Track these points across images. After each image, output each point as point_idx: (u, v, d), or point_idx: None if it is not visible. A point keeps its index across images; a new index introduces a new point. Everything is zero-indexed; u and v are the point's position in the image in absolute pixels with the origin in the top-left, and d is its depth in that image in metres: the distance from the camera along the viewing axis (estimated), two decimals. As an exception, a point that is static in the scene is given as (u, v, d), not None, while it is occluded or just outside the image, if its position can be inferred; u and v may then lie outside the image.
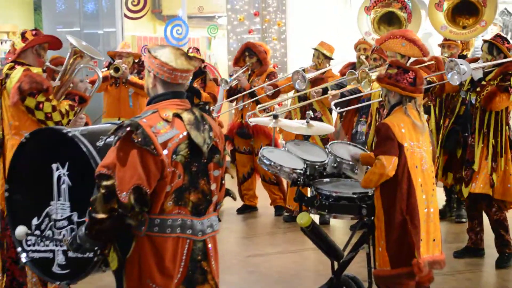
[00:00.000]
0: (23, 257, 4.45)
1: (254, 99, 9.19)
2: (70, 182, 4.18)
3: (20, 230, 4.24)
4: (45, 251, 4.35)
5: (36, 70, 5.61)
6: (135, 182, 3.63)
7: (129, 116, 9.44)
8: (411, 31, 7.66)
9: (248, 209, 9.56)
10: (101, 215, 3.65)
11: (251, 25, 13.31)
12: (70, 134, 4.16)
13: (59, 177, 4.21)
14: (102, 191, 3.65)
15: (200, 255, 3.88)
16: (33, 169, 4.43)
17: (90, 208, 3.69)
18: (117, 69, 9.37)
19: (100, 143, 4.10)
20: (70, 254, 4.20)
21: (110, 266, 3.90)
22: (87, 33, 13.34)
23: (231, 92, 9.41)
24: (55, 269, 4.30)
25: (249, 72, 9.42)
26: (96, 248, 3.90)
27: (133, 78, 9.49)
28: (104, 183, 3.66)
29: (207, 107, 4.03)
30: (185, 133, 3.79)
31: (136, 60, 9.83)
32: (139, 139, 3.66)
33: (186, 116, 3.83)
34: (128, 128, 3.68)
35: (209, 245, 3.92)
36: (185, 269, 3.83)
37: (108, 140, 4.05)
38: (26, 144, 4.46)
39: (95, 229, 3.71)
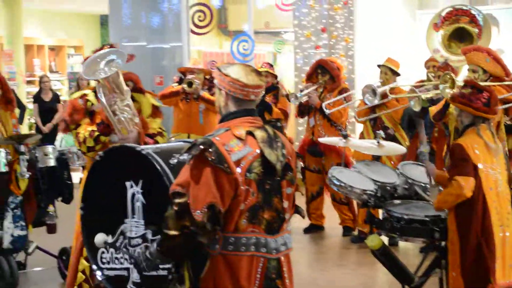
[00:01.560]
0: (99, 275, 4.43)
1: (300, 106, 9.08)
2: (144, 200, 4.14)
3: (99, 238, 4.21)
4: (120, 269, 4.32)
5: (76, 95, 5.58)
6: (209, 200, 3.60)
7: (199, 132, 9.49)
8: None
9: (315, 229, 9.44)
10: (173, 232, 3.64)
11: (318, 41, 13.22)
12: (144, 152, 4.13)
13: (133, 195, 4.17)
14: (175, 208, 3.63)
15: (274, 273, 3.83)
16: (107, 187, 4.40)
17: (162, 225, 3.67)
18: (190, 84, 9.35)
19: (173, 161, 4.06)
20: (145, 272, 4.16)
21: (185, 285, 3.86)
22: (153, 47, 13.41)
23: (302, 108, 9.30)
24: (130, 286, 4.27)
25: (321, 90, 9.29)
26: (168, 265, 3.86)
27: (205, 94, 9.46)
28: (177, 200, 3.64)
29: (278, 124, 3.97)
30: (258, 151, 3.75)
31: (207, 77, 9.81)
32: (213, 157, 3.64)
33: (259, 133, 3.79)
34: (202, 146, 3.65)
35: (283, 263, 3.87)
36: None
37: (181, 158, 4.00)
38: (100, 162, 4.44)
39: (166, 245, 3.70)
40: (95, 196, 4.47)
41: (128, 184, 4.18)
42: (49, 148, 7.32)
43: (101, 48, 5.62)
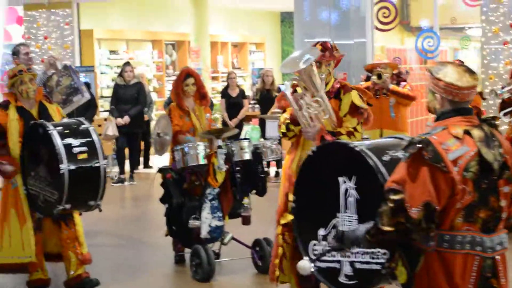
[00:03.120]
0: (311, 267, 4.55)
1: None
2: (357, 195, 4.22)
3: (305, 265, 4.32)
4: (332, 261, 4.42)
5: None
6: (425, 198, 3.63)
7: (391, 127, 9.49)
8: None
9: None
10: (386, 228, 3.69)
11: (505, 36, 12.85)
12: (357, 149, 4.21)
13: (346, 190, 4.26)
14: (390, 204, 3.68)
15: (489, 272, 3.81)
16: (319, 181, 4.52)
17: (376, 219, 3.73)
18: (379, 76, 9.37)
19: (386, 158, 4.12)
20: (358, 265, 4.26)
21: (398, 279, 3.93)
22: (336, 44, 13.44)
23: (504, 105, 9.09)
24: (342, 279, 4.36)
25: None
26: (382, 260, 3.94)
27: (395, 87, 9.45)
28: (393, 197, 3.68)
29: (494, 122, 3.93)
30: (475, 150, 3.74)
31: (394, 72, 9.78)
32: (430, 156, 3.66)
33: (476, 133, 3.78)
34: (419, 145, 3.69)
35: (499, 263, 3.84)
36: (474, 287, 3.77)
37: (394, 155, 4.06)
38: (313, 157, 4.57)
39: (378, 238, 3.76)
40: (307, 190, 4.61)
41: (341, 179, 4.28)
42: (245, 142, 7.52)
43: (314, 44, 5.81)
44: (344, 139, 5.57)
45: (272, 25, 22.50)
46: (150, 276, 7.61)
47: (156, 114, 15.50)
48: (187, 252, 7.79)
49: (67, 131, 6.41)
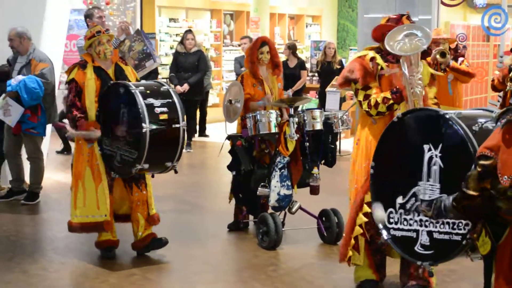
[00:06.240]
0: (385, 235, 4.53)
1: None
2: (442, 164, 4.15)
3: (380, 214, 4.30)
4: (408, 230, 4.41)
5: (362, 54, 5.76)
6: None
7: (449, 103, 9.39)
8: None
9: None
10: (471, 192, 3.67)
11: None
12: (447, 116, 4.18)
13: (430, 158, 4.23)
14: (478, 169, 3.66)
15: None
16: (401, 148, 4.48)
17: (463, 183, 3.70)
18: (444, 54, 9.27)
19: (476, 128, 4.08)
20: (436, 235, 4.22)
21: (479, 250, 3.87)
22: (400, 19, 13.28)
23: None
24: (418, 248, 4.35)
25: None
26: (463, 231, 3.92)
27: (455, 64, 9.34)
28: (483, 162, 3.65)
29: None
30: None
31: (452, 46, 9.66)
32: None
33: None
34: None
35: None
36: None
37: (485, 125, 4.01)
38: (397, 124, 4.52)
39: (463, 204, 3.73)
40: (387, 156, 4.59)
41: (426, 147, 4.25)
42: (317, 112, 7.46)
43: (398, 17, 5.68)
44: None
45: (329, -3, 22.33)
46: (216, 241, 7.63)
47: (212, 84, 15.45)
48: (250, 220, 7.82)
49: (148, 91, 6.41)
